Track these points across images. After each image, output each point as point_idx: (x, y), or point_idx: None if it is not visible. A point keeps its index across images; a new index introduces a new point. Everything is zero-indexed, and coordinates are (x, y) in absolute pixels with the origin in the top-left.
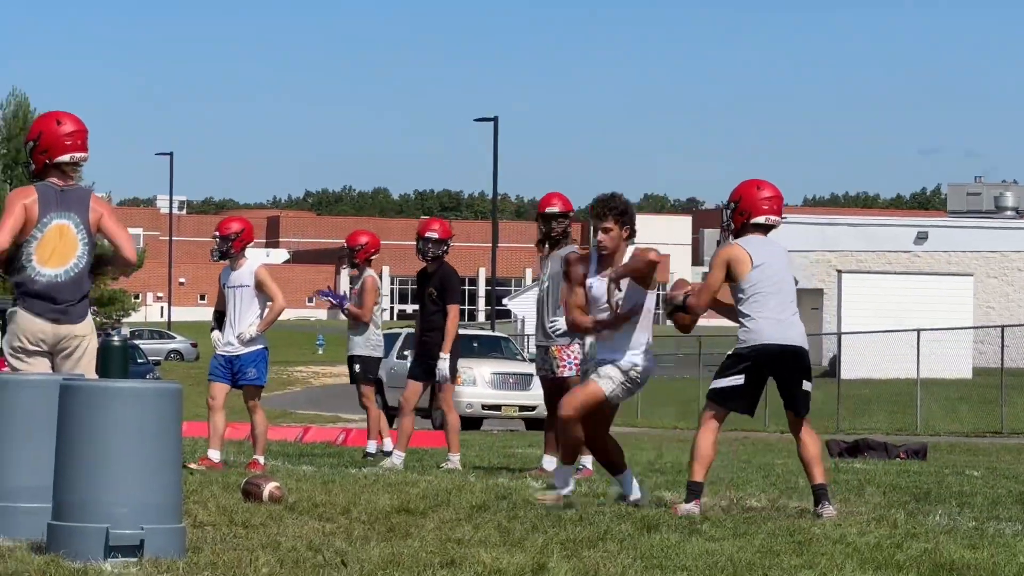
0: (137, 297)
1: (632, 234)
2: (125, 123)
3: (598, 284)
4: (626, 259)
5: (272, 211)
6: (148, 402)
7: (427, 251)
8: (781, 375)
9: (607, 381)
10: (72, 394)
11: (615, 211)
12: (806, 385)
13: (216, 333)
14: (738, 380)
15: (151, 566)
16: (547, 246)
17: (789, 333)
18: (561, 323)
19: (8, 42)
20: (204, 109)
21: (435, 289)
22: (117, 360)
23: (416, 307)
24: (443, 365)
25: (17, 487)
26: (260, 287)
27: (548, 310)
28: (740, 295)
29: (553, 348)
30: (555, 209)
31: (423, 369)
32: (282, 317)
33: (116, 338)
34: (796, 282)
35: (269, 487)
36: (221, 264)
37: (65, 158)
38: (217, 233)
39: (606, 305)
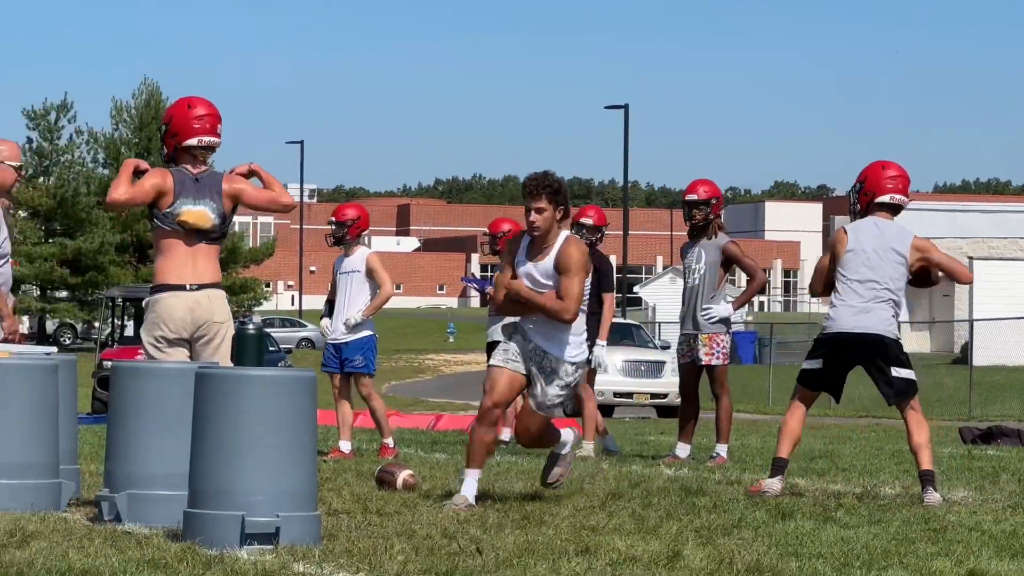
0: (268, 285)
1: (566, 215)
2: (256, 111)
3: (527, 266)
4: (559, 243)
5: (402, 199)
6: (283, 390)
7: (581, 237)
8: (865, 363)
9: (557, 409)
10: (208, 382)
11: (548, 190)
12: (897, 372)
13: (325, 321)
14: (817, 364)
15: (287, 553)
16: (692, 234)
17: (867, 321)
18: (715, 311)
19: (141, 31)
20: (334, 97)
21: None
22: (252, 348)
23: None
24: (600, 352)
25: (153, 475)
26: (370, 274)
27: (702, 298)
28: (835, 278)
29: (703, 336)
30: (693, 196)
31: None
32: (413, 305)
33: (251, 326)
34: (909, 265)
35: (403, 475)
36: None
37: (193, 141)
38: (333, 219)
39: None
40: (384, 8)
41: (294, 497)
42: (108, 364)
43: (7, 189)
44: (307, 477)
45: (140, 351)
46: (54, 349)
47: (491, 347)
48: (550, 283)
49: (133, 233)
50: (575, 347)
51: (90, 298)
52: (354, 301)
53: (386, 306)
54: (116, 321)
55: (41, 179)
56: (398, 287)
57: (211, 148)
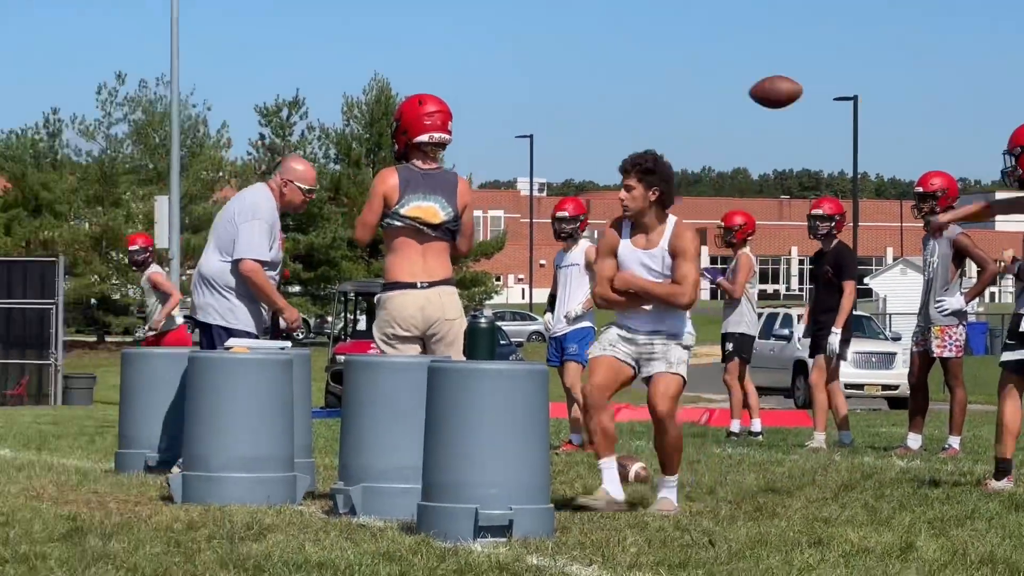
0: (499, 279)
1: (662, 196)
2: (486, 106)
3: (636, 253)
4: (670, 229)
5: None
6: (516, 383)
7: (817, 229)
8: None
9: (682, 367)
10: (441, 376)
11: (639, 168)
12: None
13: (548, 315)
14: None
15: (520, 546)
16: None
17: None
18: (948, 303)
19: (371, 28)
20: (564, 91)
21: (830, 267)
22: (484, 342)
23: (809, 287)
24: (834, 339)
25: (388, 468)
26: (589, 266)
27: (935, 291)
28: None
29: (935, 328)
30: (920, 188)
31: (817, 348)
32: None
33: (483, 320)
34: None
35: (635, 467)
36: None
37: (424, 138)
38: (564, 214)
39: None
40: (609, 4)
41: (527, 490)
42: (341, 358)
43: (294, 208)
44: (540, 470)
45: (372, 345)
46: (288, 344)
47: (725, 339)
48: (661, 270)
49: None
50: (686, 324)
51: (322, 293)
52: (574, 295)
53: None
54: (348, 315)
55: (273, 175)
56: None
57: (441, 145)
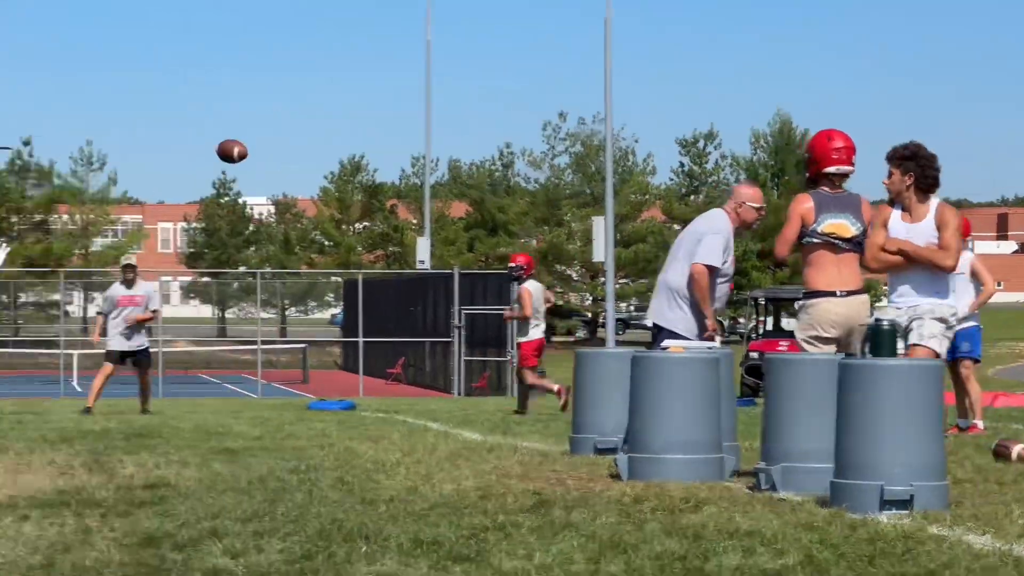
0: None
1: (920, 181)
2: (867, 132)
3: (897, 224)
4: (933, 210)
5: (1001, 208)
6: (914, 377)
7: None
8: None
9: (935, 341)
10: (851, 371)
11: (898, 155)
12: None
13: None
14: None
15: (921, 518)
16: None
17: None
18: None
19: (775, 68)
20: (939, 112)
21: None
22: (887, 341)
23: None
24: None
25: (806, 449)
26: (974, 275)
27: None
28: None
29: None
30: None
31: None
32: (1013, 300)
33: (885, 323)
34: None
35: (1017, 448)
36: None
37: (832, 169)
38: None
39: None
40: (980, 42)
41: (926, 468)
42: (754, 355)
43: (747, 225)
44: (936, 451)
45: (779, 343)
46: (716, 344)
47: None
48: (931, 242)
49: (770, 243)
50: (945, 298)
51: (735, 298)
52: (960, 299)
53: (992, 301)
54: (759, 318)
55: (691, 197)
56: (999, 284)
57: (846, 175)
